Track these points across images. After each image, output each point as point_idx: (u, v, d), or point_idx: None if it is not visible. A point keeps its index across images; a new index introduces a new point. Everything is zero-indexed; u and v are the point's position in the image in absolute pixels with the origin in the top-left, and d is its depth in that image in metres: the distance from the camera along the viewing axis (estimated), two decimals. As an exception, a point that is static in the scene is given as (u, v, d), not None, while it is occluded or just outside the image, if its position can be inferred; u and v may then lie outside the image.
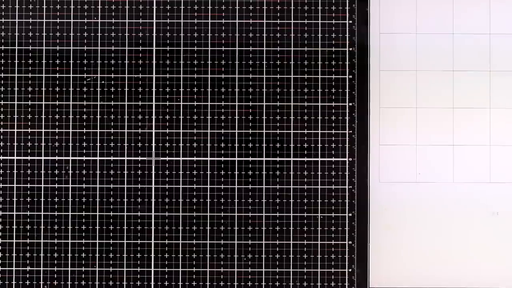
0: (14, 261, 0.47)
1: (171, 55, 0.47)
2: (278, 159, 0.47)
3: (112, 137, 0.47)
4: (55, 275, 0.47)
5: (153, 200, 0.47)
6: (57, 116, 0.47)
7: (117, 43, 0.47)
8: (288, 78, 0.47)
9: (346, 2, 0.47)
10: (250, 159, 0.47)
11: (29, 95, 0.46)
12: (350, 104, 0.47)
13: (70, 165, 0.47)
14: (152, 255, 0.46)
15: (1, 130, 0.47)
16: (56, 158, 0.47)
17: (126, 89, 0.47)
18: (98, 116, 0.47)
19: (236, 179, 0.47)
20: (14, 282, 0.47)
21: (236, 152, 0.47)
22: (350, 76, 0.47)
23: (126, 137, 0.47)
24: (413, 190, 0.47)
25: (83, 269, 0.46)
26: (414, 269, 0.47)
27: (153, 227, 0.47)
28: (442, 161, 0.47)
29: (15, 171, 0.47)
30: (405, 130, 0.47)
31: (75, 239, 0.46)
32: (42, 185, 0.46)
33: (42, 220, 0.46)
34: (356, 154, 0.47)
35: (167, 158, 0.47)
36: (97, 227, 0.46)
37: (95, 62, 0.47)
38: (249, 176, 0.47)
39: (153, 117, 0.47)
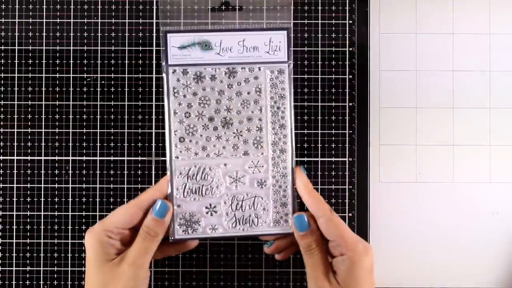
0: (14, 261, 0.47)
1: (171, 55, 0.47)
2: (278, 159, 0.47)
3: (112, 137, 0.47)
4: (55, 275, 0.47)
5: (153, 200, 0.46)
6: (57, 116, 0.47)
7: (117, 43, 0.47)
8: (288, 78, 0.47)
9: (346, 2, 0.47)
10: (250, 159, 0.46)
11: (29, 95, 0.47)
12: (350, 104, 0.47)
13: (70, 165, 0.47)
14: (152, 255, 0.46)
15: (1, 130, 0.47)
16: (56, 158, 0.47)
17: (126, 89, 0.47)
18: (98, 116, 0.47)
19: (236, 179, 0.46)
20: (14, 282, 0.47)
21: (236, 152, 0.46)
22: (350, 76, 0.47)
23: (126, 137, 0.47)
24: (413, 190, 0.47)
25: (83, 269, 0.46)
26: (414, 268, 0.47)
27: (153, 227, 0.46)
28: (442, 161, 0.47)
29: (15, 171, 0.47)
30: (405, 130, 0.47)
31: (75, 239, 0.46)
32: (42, 185, 0.46)
33: (42, 220, 0.46)
34: (356, 154, 0.47)
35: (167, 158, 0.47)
36: (97, 227, 0.46)
37: (95, 62, 0.47)
38: (249, 176, 0.46)
39: (153, 117, 0.47)
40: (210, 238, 0.41)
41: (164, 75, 0.40)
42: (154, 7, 0.47)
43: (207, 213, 0.40)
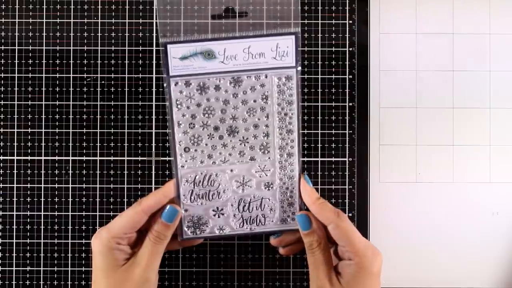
0: (14, 261, 0.47)
1: (171, 55, 0.47)
2: (278, 159, 0.47)
3: (112, 137, 0.47)
4: (55, 275, 0.47)
5: (153, 200, 0.46)
6: (57, 116, 0.47)
7: (117, 43, 0.47)
8: (288, 78, 0.47)
9: (346, 2, 0.47)
10: (250, 159, 0.46)
11: (29, 95, 0.46)
12: (350, 104, 0.47)
13: (70, 165, 0.47)
14: (152, 255, 0.46)
15: (1, 130, 0.47)
16: (56, 158, 0.47)
17: (126, 89, 0.47)
18: (98, 116, 0.47)
19: (236, 179, 0.46)
20: (14, 282, 0.47)
21: (236, 152, 0.46)
22: (350, 76, 0.47)
23: (126, 137, 0.47)
24: (413, 190, 0.47)
25: (83, 269, 0.46)
26: (414, 268, 0.47)
27: (153, 227, 0.46)
28: (442, 161, 0.47)
29: (15, 171, 0.47)
30: (405, 130, 0.47)
31: (75, 239, 0.46)
32: (42, 185, 0.46)
33: (42, 220, 0.46)
34: (356, 154, 0.47)
35: (167, 158, 0.47)
36: (97, 227, 0.46)
37: (95, 62, 0.47)
38: (249, 176, 0.46)
39: (153, 117, 0.47)
40: (219, 237, 0.41)
41: (165, 87, 0.39)
42: (154, 7, 0.47)
43: (214, 215, 0.40)
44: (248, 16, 0.43)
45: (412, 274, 0.47)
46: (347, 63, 0.47)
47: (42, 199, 0.46)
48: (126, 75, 0.47)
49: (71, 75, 0.47)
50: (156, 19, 0.47)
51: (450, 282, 0.47)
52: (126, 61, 0.47)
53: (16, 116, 0.47)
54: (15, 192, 0.47)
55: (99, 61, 0.47)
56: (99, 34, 0.47)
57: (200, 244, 0.46)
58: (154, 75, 0.47)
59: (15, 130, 0.47)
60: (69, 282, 0.47)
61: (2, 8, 0.47)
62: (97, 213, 0.46)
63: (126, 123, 0.47)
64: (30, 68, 0.47)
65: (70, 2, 0.47)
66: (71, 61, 0.47)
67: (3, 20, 0.47)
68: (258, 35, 0.39)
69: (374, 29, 0.47)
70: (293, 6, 0.42)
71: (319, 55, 0.47)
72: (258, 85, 0.39)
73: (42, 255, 0.47)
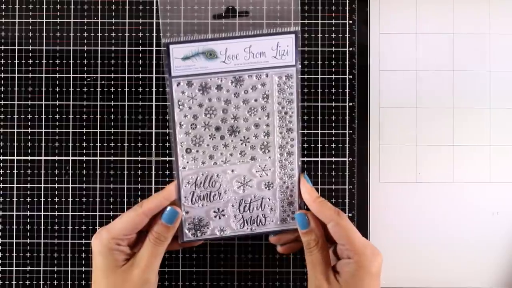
0: (14, 261, 0.47)
1: (171, 55, 0.47)
2: (278, 159, 0.47)
3: (112, 137, 0.47)
4: (55, 275, 0.47)
5: (153, 200, 0.46)
6: (57, 116, 0.47)
7: (117, 43, 0.47)
8: (288, 78, 0.47)
9: (346, 2, 0.47)
10: (250, 159, 0.46)
11: (29, 95, 0.46)
12: (350, 104, 0.47)
13: (70, 165, 0.47)
14: (152, 255, 0.46)
15: (1, 130, 0.47)
16: (56, 158, 0.47)
17: (126, 89, 0.47)
18: (98, 116, 0.47)
19: (236, 179, 0.46)
20: (14, 282, 0.47)
21: (236, 152, 0.46)
22: (350, 76, 0.47)
23: (126, 137, 0.47)
24: (413, 190, 0.47)
25: (83, 269, 0.46)
26: (414, 269, 0.47)
27: (153, 227, 0.46)
28: (442, 161, 0.47)
29: (15, 171, 0.47)
30: (405, 130, 0.47)
31: (75, 239, 0.46)
32: (42, 185, 0.46)
33: (42, 220, 0.46)
34: (356, 154, 0.47)
35: (167, 158, 0.47)
36: (97, 227, 0.46)
37: (95, 62, 0.47)
38: (249, 176, 0.46)
39: (153, 117, 0.47)
40: (219, 238, 0.41)
41: (167, 87, 0.39)
42: (154, 7, 0.47)
43: (215, 216, 0.40)
44: (248, 15, 0.43)
45: (412, 274, 0.47)
46: (347, 63, 0.47)
47: (42, 199, 0.46)
48: (126, 75, 0.47)
49: (71, 75, 0.47)
50: (157, 19, 0.47)
51: (450, 282, 0.47)
52: (126, 61, 0.47)
53: (16, 116, 0.47)
54: (15, 192, 0.47)
55: (99, 61, 0.47)
56: (99, 34, 0.47)
57: (200, 244, 0.46)
58: (154, 75, 0.47)
59: (15, 130, 0.47)
60: (69, 282, 0.47)
61: (2, 8, 0.47)
62: (97, 213, 0.46)
63: (126, 123, 0.47)
64: (30, 68, 0.47)
65: (70, 2, 0.47)
66: (71, 61, 0.47)
67: (3, 20, 0.47)
68: (259, 34, 0.39)
69: (374, 29, 0.47)
70: (293, 6, 0.42)
71: (319, 55, 0.47)
72: (259, 84, 0.39)
73: (42, 255, 0.47)
